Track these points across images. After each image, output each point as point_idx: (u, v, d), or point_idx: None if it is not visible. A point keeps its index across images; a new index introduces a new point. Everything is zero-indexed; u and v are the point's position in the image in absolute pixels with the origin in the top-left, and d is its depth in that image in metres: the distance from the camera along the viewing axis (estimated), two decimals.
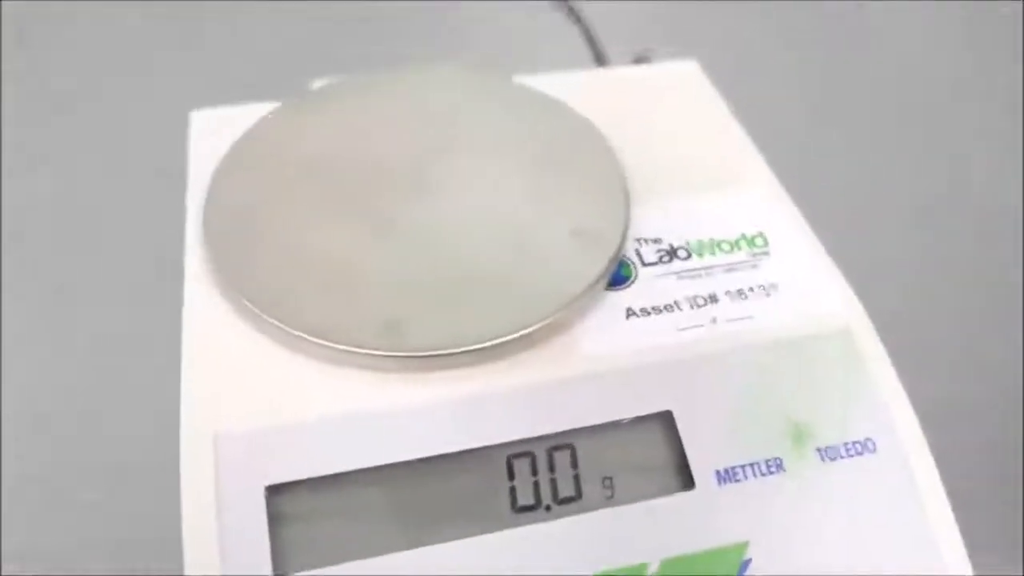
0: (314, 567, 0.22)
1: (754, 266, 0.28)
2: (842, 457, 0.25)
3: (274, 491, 0.23)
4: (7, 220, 0.44)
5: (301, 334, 0.25)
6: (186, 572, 0.22)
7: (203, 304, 0.26)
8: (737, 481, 0.24)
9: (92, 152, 0.47)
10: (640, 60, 0.39)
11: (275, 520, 0.23)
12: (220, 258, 0.27)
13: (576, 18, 0.42)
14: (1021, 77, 0.48)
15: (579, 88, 0.34)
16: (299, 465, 0.23)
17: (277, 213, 0.28)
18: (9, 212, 0.44)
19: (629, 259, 0.28)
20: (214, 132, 0.31)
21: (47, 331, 0.40)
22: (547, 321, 0.25)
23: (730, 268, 0.28)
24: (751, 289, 0.28)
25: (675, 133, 0.33)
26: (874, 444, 0.25)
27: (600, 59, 0.43)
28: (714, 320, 0.27)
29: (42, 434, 0.36)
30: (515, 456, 0.24)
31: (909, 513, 0.24)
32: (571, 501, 0.24)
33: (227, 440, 0.23)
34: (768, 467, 0.24)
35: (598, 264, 0.27)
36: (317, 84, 0.34)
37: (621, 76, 0.36)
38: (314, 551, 0.23)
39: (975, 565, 0.25)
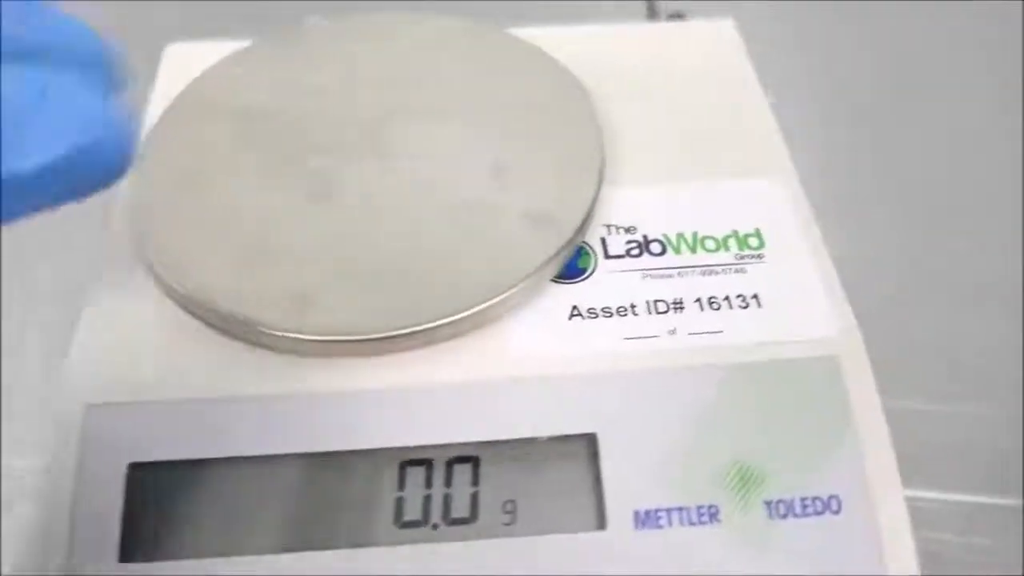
0: (164, 559, 0.20)
1: (739, 270, 0.24)
2: (795, 515, 0.21)
3: (136, 469, 0.21)
4: None
5: (198, 300, 0.22)
6: (32, 548, 0.20)
7: (114, 262, 0.24)
8: (659, 527, 0.20)
9: None
10: (675, 17, 0.34)
11: (132, 501, 0.21)
12: (140, 212, 0.24)
13: None
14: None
15: (589, 45, 0.29)
16: (169, 445, 0.21)
17: (209, 166, 0.25)
18: None
19: (590, 248, 0.24)
20: (183, 68, 0.29)
21: None
22: (471, 312, 0.22)
23: (709, 271, 0.24)
24: (727, 298, 0.23)
25: (684, 102, 0.28)
26: (839, 504, 0.21)
27: (652, 13, 0.39)
28: (673, 331, 0.23)
29: None
30: (408, 463, 0.21)
31: None
32: (463, 523, 0.21)
33: (98, 410, 0.21)
34: (700, 515, 0.20)
35: (545, 251, 0.23)
36: (310, 21, 0.31)
37: (642, 33, 0.31)
38: (168, 541, 0.21)
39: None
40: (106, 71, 0.18)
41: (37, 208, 0.17)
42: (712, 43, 0.30)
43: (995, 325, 0.36)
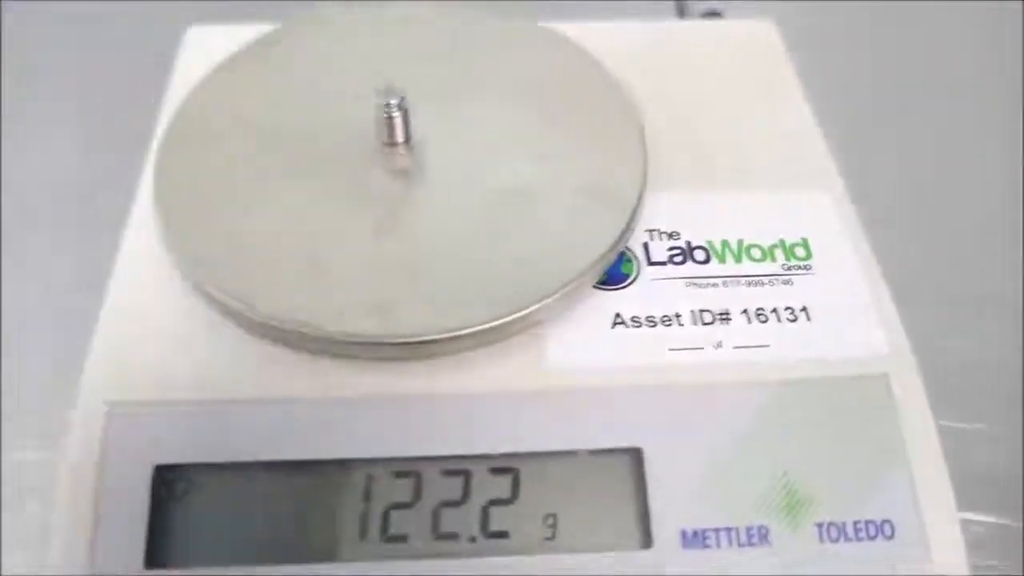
0: (194, 566, 0.19)
1: (787, 281, 0.23)
2: (848, 539, 0.20)
3: (163, 471, 0.20)
4: None
5: (224, 298, 0.21)
6: (49, 558, 0.19)
7: (140, 257, 0.23)
8: (707, 547, 0.20)
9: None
10: (710, 15, 0.33)
11: (159, 505, 0.20)
12: (165, 209, 0.23)
13: None
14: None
15: (627, 44, 0.29)
16: (198, 447, 0.20)
17: (236, 163, 0.24)
18: None
19: (632, 254, 0.24)
20: (203, 53, 0.28)
21: None
22: (511, 318, 0.21)
23: (756, 281, 0.23)
24: (775, 311, 0.23)
25: (726, 107, 0.27)
26: (892, 529, 0.20)
27: (682, 12, 0.38)
28: (719, 344, 0.22)
29: None
30: (447, 473, 0.20)
31: None
32: (502, 536, 0.20)
33: (122, 408, 0.21)
34: (749, 536, 0.20)
35: (586, 257, 0.22)
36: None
37: (680, 32, 0.30)
38: (198, 548, 0.20)
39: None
40: None
41: None
42: (752, 44, 0.29)
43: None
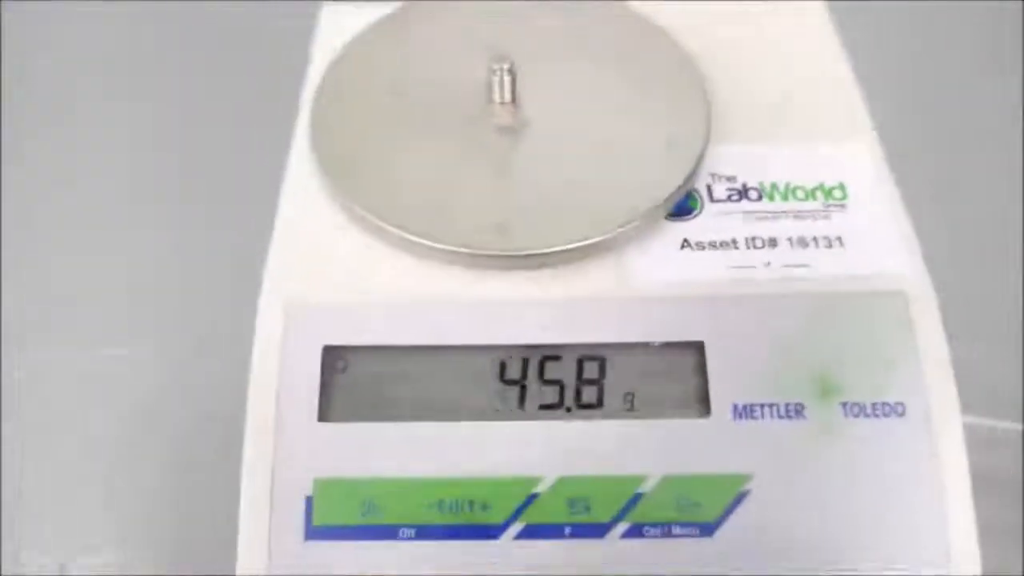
0: (353, 420, 0.25)
1: (826, 216, 0.28)
2: (867, 415, 0.25)
3: (330, 352, 0.26)
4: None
5: (376, 221, 0.27)
6: (249, 415, 0.25)
7: (300, 191, 0.29)
8: (754, 418, 0.25)
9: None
10: None
11: (327, 375, 0.26)
12: (322, 152, 0.29)
13: None
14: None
15: (693, 17, 0.34)
16: (357, 334, 0.26)
17: (378, 116, 0.30)
18: None
19: (698, 193, 0.29)
20: (339, 28, 0.34)
21: None
22: (601, 239, 0.27)
23: (799, 215, 0.28)
24: (815, 239, 0.28)
25: (779, 74, 0.32)
26: (904, 408, 0.25)
27: None
28: (768, 264, 0.27)
29: None
30: (548, 358, 0.26)
31: (925, 489, 0.25)
32: (591, 407, 0.26)
33: (298, 306, 0.27)
34: (788, 411, 0.25)
35: (661, 193, 0.27)
36: None
37: (737, 8, 0.35)
38: (356, 406, 0.26)
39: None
40: None
41: None
42: (803, 21, 0.34)
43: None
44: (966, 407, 0.25)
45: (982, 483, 0.25)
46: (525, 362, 0.26)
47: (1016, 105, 0.47)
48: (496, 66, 0.29)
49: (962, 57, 0.49)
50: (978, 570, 0.24)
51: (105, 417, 0.39)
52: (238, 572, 0.24)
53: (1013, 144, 0.46)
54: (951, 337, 0.26)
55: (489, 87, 0.30)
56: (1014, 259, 0.42)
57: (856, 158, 0.30)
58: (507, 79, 0.29)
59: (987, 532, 0.24)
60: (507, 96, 0.30)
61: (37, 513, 0.36)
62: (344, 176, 0.28)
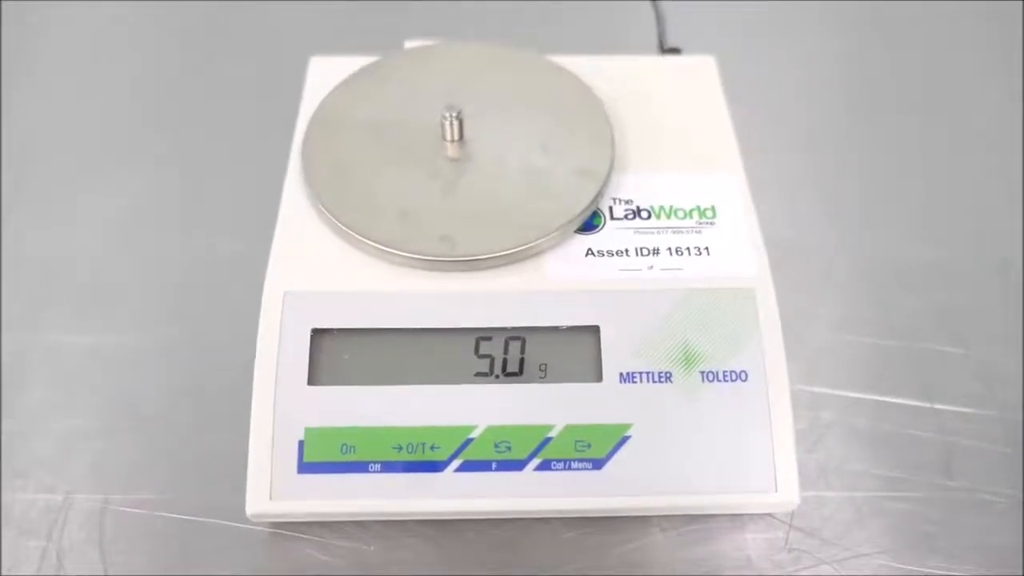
0: (334, 383, 0.34)
1: (698, 232, 0.37)
2: (719, 380, 0.34)
3: (317, 332, 0.34)
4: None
5: (350, 232, 0.35)
6: (255, 379, 0.34)
7: (296, 205, 0.37)
8: (634, 382, 0.34)
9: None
10: (669, 51, 0.47)
11: (315, 350, 0.34)
12: (311, 177, 0.37)
13: (657, 14, 0.49)
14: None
15: (605, 70, 0.42)
16: (337, 318, 0.34)
17: (355, 149, 0.39)
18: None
19: (602, 212, 0.37)
20: (325, 77, 0.42)
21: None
22: (525, 247, 0.35)
23: (677, 230, 0.37)
24: (688, 249, 0.36)
25: (671, 117, 0.41)
26: (747, 375, 0.34)
27: (663, 47, 0.50)
28: (651, 267, 0.36)
29: None
30: (482, 338, 0.34)
31: (761, 436, 0.33)
32: (514, 375, 0.34)
33: (292, 296, 0.35)
34: (660, 377, 0.34)
35: (572, 212, 0.36)
36: (408, 44, 0.44)
37: (644, 63, 0.44)
38: (336, 373, 0.34)
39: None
40: None
41: None
42: (695, 74, 0.43)
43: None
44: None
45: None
46: (466, 341, 0.34)
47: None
48: (447, 112, 0.38)
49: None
50: (796, 497, 0.33)
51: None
52: (248, 496, 0.33)
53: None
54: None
55: (442, 128, 0.38)
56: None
57: (726, 186, 0.38)
58: (456, 122, 0.38)
59: None
60: (456, 135, 0.38)
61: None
62: (329, 197, 0.37)
